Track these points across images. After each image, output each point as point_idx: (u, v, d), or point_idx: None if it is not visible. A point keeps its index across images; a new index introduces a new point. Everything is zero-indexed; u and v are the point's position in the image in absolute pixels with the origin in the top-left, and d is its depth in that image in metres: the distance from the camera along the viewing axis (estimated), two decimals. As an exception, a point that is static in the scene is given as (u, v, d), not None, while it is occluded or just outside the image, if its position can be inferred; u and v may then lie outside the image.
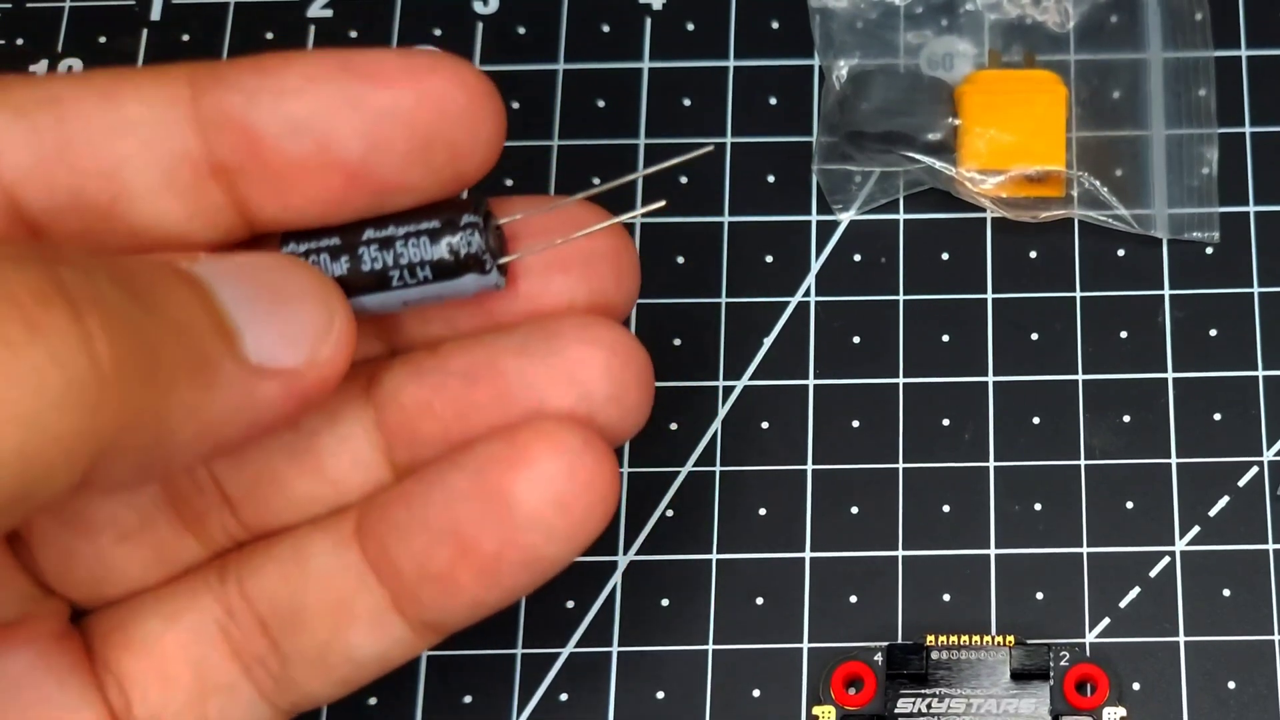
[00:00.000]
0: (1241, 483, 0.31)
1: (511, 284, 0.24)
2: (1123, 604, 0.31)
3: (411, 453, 0.24)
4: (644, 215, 0.24)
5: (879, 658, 0.30)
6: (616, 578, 0.31)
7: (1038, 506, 0.31)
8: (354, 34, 0.35)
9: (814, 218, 0.34)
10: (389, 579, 0.24)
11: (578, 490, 0.23)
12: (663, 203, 0.25)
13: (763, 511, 0.32)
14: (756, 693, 0.30)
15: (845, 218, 0.34)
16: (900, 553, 0.31)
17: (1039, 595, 0.31)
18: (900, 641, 0.30)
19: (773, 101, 0.34)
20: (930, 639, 0.30)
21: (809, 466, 0.32)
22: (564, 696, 0.31)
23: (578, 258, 0.24)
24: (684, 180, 0.34)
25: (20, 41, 0.35)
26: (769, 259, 0.33)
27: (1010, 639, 0.30)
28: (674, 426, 0.32)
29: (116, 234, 0.22)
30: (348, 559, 0.24)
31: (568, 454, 0.23)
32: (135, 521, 0.24)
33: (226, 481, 0.24)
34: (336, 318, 0.22)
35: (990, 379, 0.32)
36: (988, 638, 0.30)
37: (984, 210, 0.33)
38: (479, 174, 0.23)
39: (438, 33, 0.35)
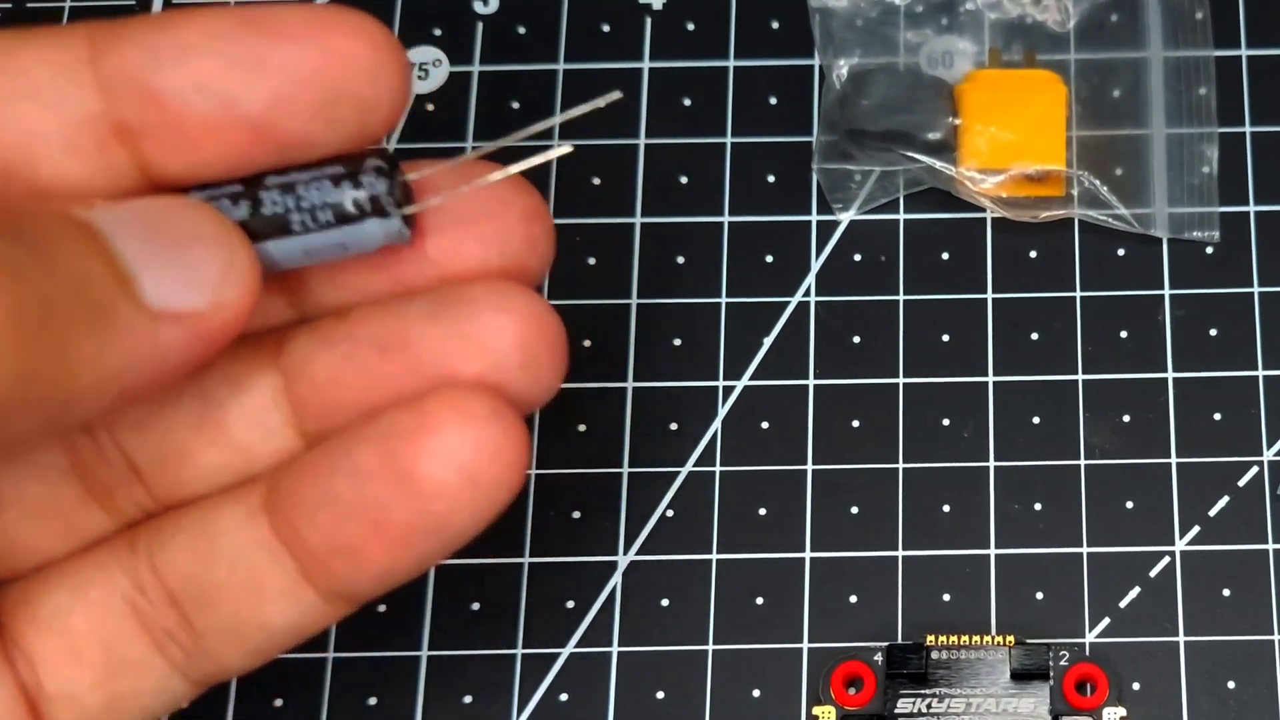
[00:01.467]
0: (1241, 483, 0.31)
1: (420, 246, 0.23)
2: (1123, 604, 0.31)
3: (321, 422, 0.24)
4: (548, 160, 0.24)
5: (879, 657, 0.30)
6: (616, 578, 0.31)
7: (1038, 506, 0.31)
8: (354, 34, 0.35)
9: (814, 218, 0.34)
10: (299, 553, 0.23)
11: (486, 460, 0.22)
12: (569, 148, 0.25)
13: (763, 511, 0.32)
14: (756, 693, 0.30)
15: (845, 217, 0.34)
16: (900, 553, 0.31)
17: (1039, 595, 0.31)
18: (900, 641, 0.30)
19: (773, 101, 0.34)
20: (930, 639, 0.30)
21: (809, 466, 0.32)
22: (564, 696, 0.31)
23: (489, 219, 0.24)
24: (684, 180, 0.34)
25: (20, 42, 0.35)
26: (769, 259, 0.33)
27: (1010, 639, 0.30)
28: (674, 426, 0.32)
29: (20, 193, 0.22)
30: (257, 532, 0.23)
31: (475, 423, 0.22)
32: (43, 495, 0.24)
33: (134, 452, 0.24)
34: (238, 258, 0.22)
35: (990, 379, 0.32)
36: (987, 637, 0.30)
37: (984, 210, 0.33)
38: (384, 128, 0.22)
39: (438, 33, 0.35)
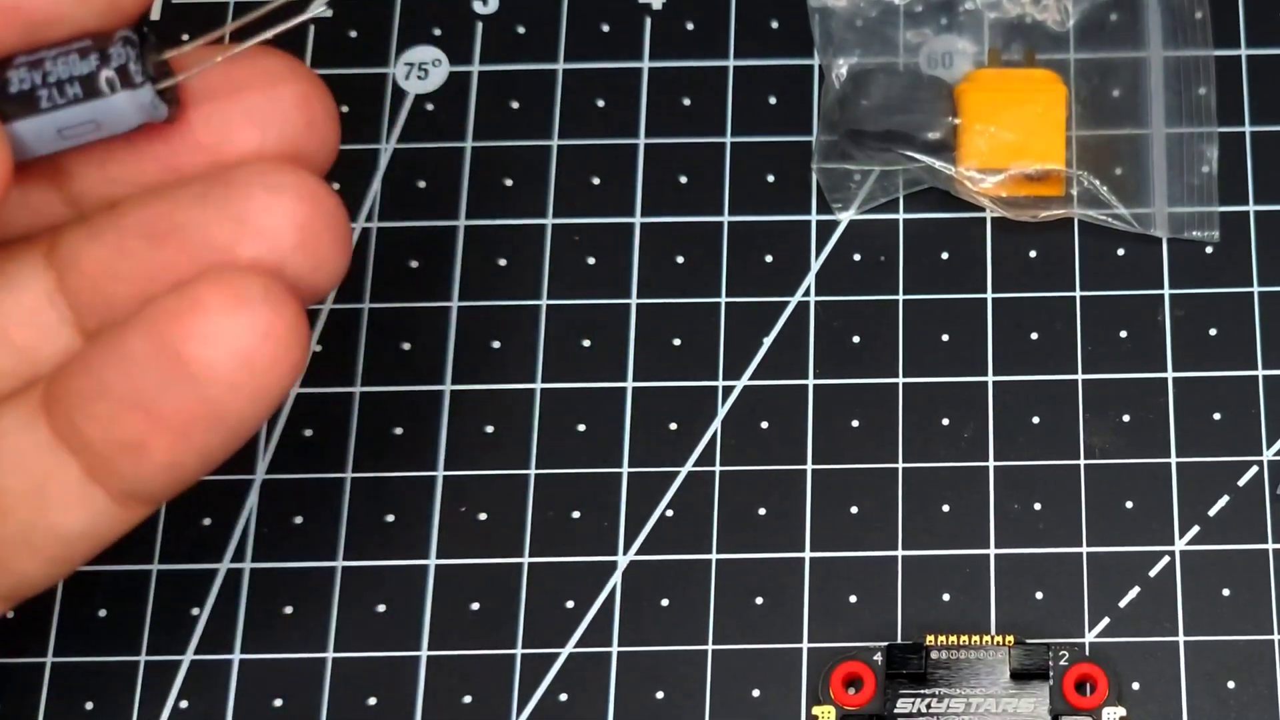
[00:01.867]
0: (1241, 482, 0.31)
1: (189, 130, 0.23)
2: (1122, 604, 0.31)
3: (100, 317, 0.23)
4: (300, 23, 0.23)
5: (878, 657, 0.30)
6: (616, 578, 0.31)
7: (1037, 506, 0.31)
8: (354, 34, 0.35)
9: (814, 217, 0.34)
10: (81, 451, 0.23)
11: (259, 342, 0.22)
12: (328, 12, 0.24)
13: (763, 511, 0.32)
14: (756, 693, 0.30)
15: (845, 217, 0.34)
16: (900, 552, 0.31)
17: (1038, 595, 0.31)
18: (900, 641, 0.30)
19: (772, 101, 0.34)
20: (930, 639, 0.30)
21: (809, 466, 0.32)
22: (564, 696, 0.31)
23: (261, 101, 0.23)
24: (684, 180, 0.34)
25: (20, 41, 0.35)
26: (769, 259, 0.33)
27: (1010, 639, 0.30)
28: (674, 426, 0.32)
29: None
30: (37, 434, 0.23)
31: (246, 305, 0.22)
32: None
33: None
34: None
35: (990, 379, 0.32)
36: (987, 637, 0.30)
37: (984, 210, 0.33)
38: (136, 5, 0.22)
39: (438, 32, 0.35)
